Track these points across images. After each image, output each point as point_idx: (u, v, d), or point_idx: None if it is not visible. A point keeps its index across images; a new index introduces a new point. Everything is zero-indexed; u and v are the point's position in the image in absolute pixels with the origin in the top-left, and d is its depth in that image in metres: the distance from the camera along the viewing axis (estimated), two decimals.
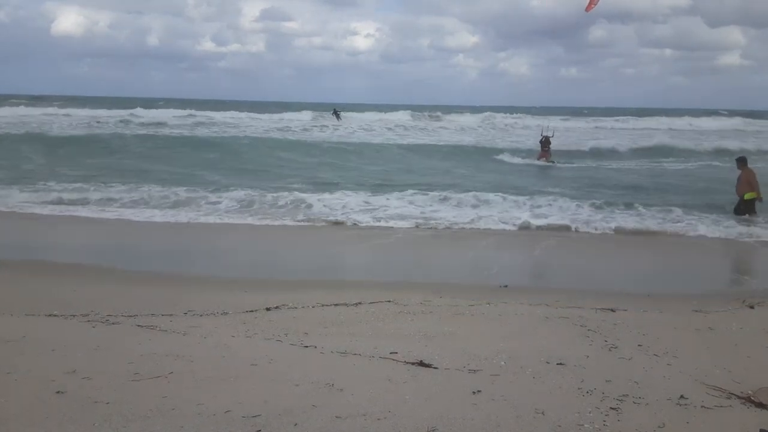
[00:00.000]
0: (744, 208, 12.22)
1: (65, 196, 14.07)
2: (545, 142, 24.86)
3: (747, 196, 12.17)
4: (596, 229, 11.79)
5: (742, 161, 12.60)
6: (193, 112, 50.11)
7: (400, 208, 13.48)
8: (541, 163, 24.27)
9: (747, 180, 12.27)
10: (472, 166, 23.10)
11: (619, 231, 11.72)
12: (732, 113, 71.49)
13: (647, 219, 12.59)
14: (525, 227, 11.86)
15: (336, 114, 50.66)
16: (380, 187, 16.78)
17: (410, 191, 15.61)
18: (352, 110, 61.20)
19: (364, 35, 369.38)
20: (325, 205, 13.67)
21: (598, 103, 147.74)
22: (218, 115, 48.05)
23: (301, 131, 39.55)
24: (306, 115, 52.90)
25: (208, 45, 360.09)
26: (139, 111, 47.52)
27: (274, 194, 14.69)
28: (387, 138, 35.95)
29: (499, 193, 15.28)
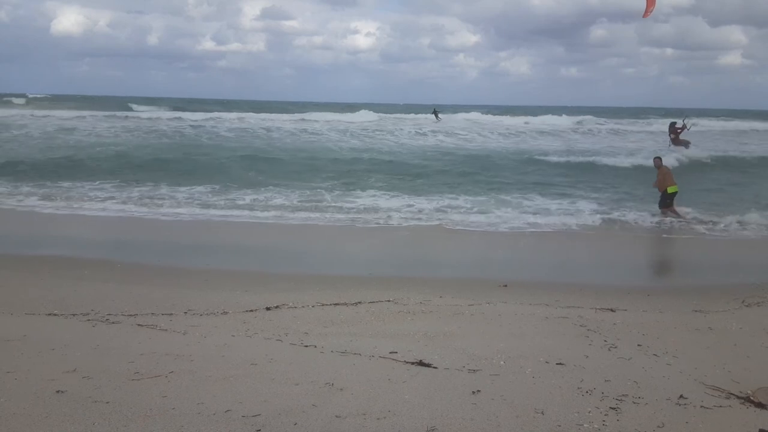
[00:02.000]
0: (668, 201, 13.00)
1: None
2: (673, 129, 23.85)
3: (671, 190, 12.99)
4: None
5: (659, 160, 13.67)
6: (241, 114, 47.16)
7: None
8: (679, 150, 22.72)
9: (666, 175, 13.19)
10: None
11: None
12: (733, 113, 70.40)
13: None
14: None
15: (435, 114, 50.75)
16: None
17: None
18: (362, 109, 59.92)
19: (364, 34, 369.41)
20: None
21: (598, 102, 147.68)
22: (269, 117, 46.09)
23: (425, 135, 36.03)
24: (371, 116, 50.62)
25: (208, 44, 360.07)
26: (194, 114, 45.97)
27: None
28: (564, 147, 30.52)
29: None
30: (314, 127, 39.39)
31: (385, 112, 56.80)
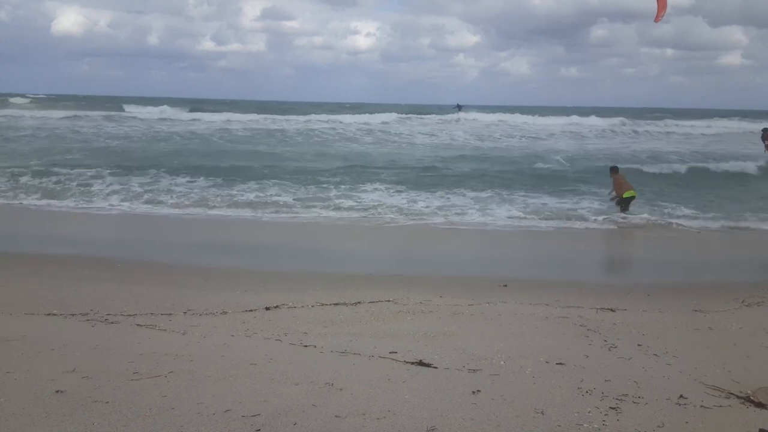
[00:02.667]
0: (625, 206, 13.54)
1: None
2: (766, 135, 22.82)
3: (626, 195, 13.52)
4: None
5: (615, 170, 14.29)
6: (255, 116, 45.51)
7: None
8: None
9: (622, 182, 13.80)
10: None
11: None
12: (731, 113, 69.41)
13: None
14: None
15: (459, 108, 50.37)
16: None
17: None
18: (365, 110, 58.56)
19: (364, 34, 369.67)
20: None
21: (598, 102, 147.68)
22: (297, 119, 44.38)
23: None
24: (391, 116, 48.75)
25: (208, 44, 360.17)
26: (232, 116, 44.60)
27: None
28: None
29: None
30: (341, 127, 38.46)
31: (386, 112, 55.67)
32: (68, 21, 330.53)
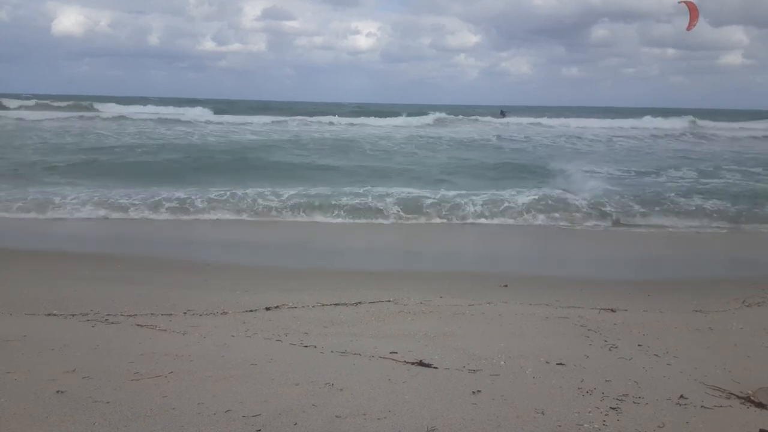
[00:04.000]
0: None
1: None
2: None
3: None
4: None
5: None
6: (299, 118, 42.52)
7: None
8: None
9: None
10: None
11: None
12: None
13: None
14: None
15: (503, 114, 50.13)
16: None
17: None
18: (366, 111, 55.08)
19: (365, 35, 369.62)
20: None
21: (598, 102, 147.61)
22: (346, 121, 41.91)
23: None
24: (430, 118, 45.60)
25: (208, 44, 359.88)
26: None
27: None
28: None
29: None
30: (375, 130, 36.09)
31: (388, 112, 53.20)
32: (68, 21, 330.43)
